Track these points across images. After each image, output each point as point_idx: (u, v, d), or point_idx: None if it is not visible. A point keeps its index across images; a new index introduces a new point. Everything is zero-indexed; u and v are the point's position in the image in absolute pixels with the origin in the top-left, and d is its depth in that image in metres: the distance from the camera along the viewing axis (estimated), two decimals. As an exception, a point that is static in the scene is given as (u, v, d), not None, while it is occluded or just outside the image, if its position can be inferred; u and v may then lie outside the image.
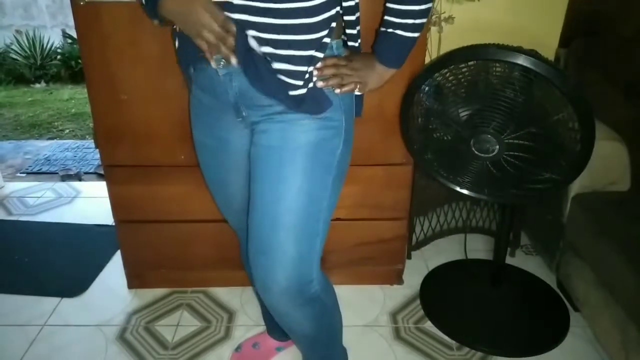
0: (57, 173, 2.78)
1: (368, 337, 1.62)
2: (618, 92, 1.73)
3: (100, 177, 2.69)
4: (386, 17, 0.98)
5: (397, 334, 1.64)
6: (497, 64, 1.28)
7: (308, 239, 0.98)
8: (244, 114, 0.98)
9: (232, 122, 1.01)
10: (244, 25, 0.86)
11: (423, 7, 0.95)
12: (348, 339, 1.60)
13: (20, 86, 4.52)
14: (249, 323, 1.69)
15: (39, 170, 2.84)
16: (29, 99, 4.21)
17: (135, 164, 1.61)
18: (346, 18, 0.98)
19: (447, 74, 1.34)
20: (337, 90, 0.97)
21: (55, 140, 3.37)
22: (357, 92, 1.03)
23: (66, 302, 1.78)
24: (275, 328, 1.46)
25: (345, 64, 0.98)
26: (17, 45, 4.69)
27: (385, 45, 1.01)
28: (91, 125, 3.02)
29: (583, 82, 1.77)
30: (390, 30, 0.98)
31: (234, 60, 0.88)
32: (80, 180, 2.71)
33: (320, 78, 0.96)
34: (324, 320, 1.13)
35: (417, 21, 0.96)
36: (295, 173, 0.95)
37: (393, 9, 0.96)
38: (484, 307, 1.74)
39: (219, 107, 1.00)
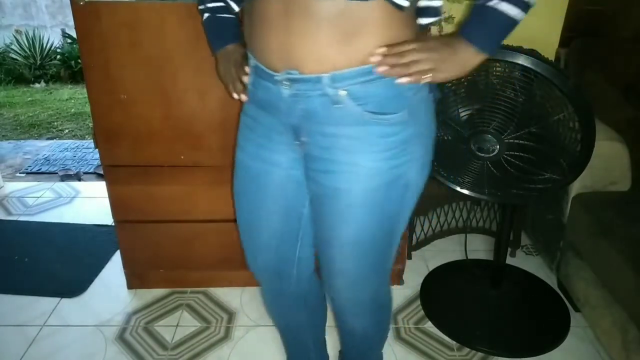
0: (56, 173, 2.78)
1: (368, 337, 1.62)
2: (618, 92, 1.73)
3: (100, 177, 2.69)
4: None
5: (398, 334, 1.64)
6: (497, 64, 1.28)
7: (382, 263, 1.01)
8: (303, 139, 0.89)
9: (289, 144, 0.93)
10: None
11: None
12: (348, 339, 1.60)
13: (20, 86, 4.52)
14: (248, 323, 1.69)
15: (38, 170, 2.84)
16: (29, 98, 4.21)
17: (134, 164, 1.61)
18: None
19: (448, 74, 1.34)
20: (402, 80, 0.81)
21: (54, 140, 3.37)
22: (425, 81, 0.83)
23: (65, 302, 1.77)
24: None
25: (415, 47, 0.80)
26: (17, 45, 4.69)
27: (481, 22, 0.81)
28: (91, 125, 3.01)
29: (583, 82, 1.77)
30: (491, 4, 0.79)
31: (243, 97, 0.95)
32: (79, 180, 2.71)
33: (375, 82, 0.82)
34: (385, 323, 1.19)
35: None
36: (366, 214, 0.90)
37: None
38: (484, 308, 1.74)
39: (278, 128, 0.92)
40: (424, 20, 0.84)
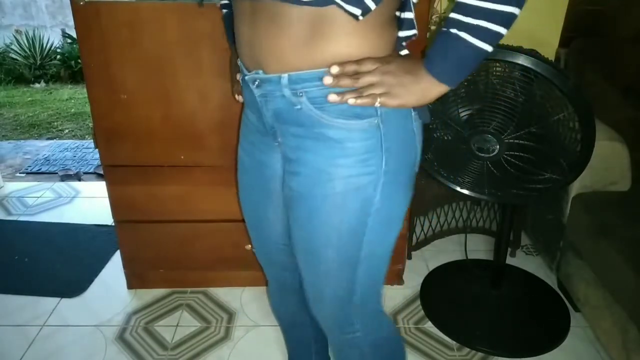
0: (56, 173, 2.78)
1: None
2: (618, 92, 1.73)
3: (100, 177, 2.69)
4: (452, 15, 0.72)
5: (397, 334, 1.64)
6: (497, 64, 1.28)
7: (343, 288, 0.93)
8: (279, 139, 0.88)
9: (271, 145, 0.92)
10: None
11: (506, 8, 0.69)
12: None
13: (20, 86, 4.52)
14: (248, 324, 1.69)
15: (38, 170, 2.84)
16: (29, 98, 4.21)
17: (134, 164, 1.61)
18: None
19: (448, 74, 1.34)
20: (351, 101, 0.77)
21: (54, 140, 3.37)
22: (377, 105, 0.78)
23: (65, 302, 1.77)
24: None
25: (372, 69, 0.77)
26: (17, 45, 4.69)
27: (442, 51, 0.74)
28: (91, 125, 3.01)
29: (583, 82, 1.77)
30: (453, 31, 0.72)
31: (239, 98, 1.00)
32: (79, 180, 2.71)
33: (333, 89, 0.77)
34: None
35: (493, 27, 0.70)
36: (322, 226, 0.86)
37: (463, 4, 0.70)
38: (484, 308, 1.74)
39: (261, 128, 0.91)
40: (401, 33, 0.81)
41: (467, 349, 1.58)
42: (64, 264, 1.96)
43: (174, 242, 1.73)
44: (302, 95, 0.79)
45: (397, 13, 0.81)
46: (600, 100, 1.65)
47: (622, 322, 1.38)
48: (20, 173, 2.83)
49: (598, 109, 1.30)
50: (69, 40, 4.81)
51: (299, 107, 0.80)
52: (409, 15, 0.80)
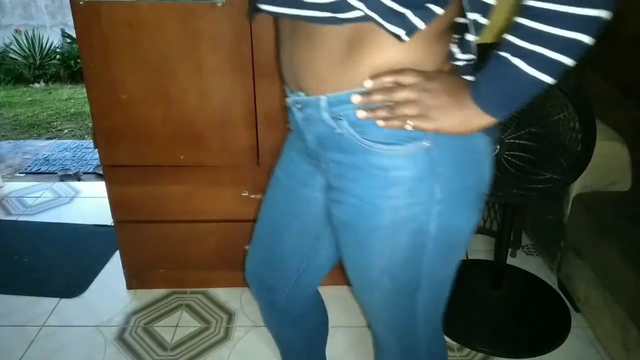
0: (56, 173, 2.78)
1: (368, 338, 1.62)
2: (618, 92, 1.73)
3: (99, 177, 2.69)
4: (506, 35, 0.62)
5: (397, 335, 1.63)
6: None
7: (401, 312, 0.87)
8: (323, 165, 0.82)
9: (314, 165, 0.86)
10: None
11: (573, 35, 0.60)
12: (348, 339, 1.60)
13: (19, 86, 4.51)
14: (248, 324, 1.69)
15: (37, 170, 2.83)
16: (28, 98, 4.21)
17: (134, 164, 1.61)
18: None
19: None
20: (381, 123, 0.69)
21: (54, 140, 3.37)
22: (408, 128, 0.69)
23: (65, 302, 1.77)
24: None
25: (413, 81, 0.68)
26: (16, 44, 4.68)
27: (491, 77, 0.65)
28: (90, 125, 3.01)
29: (583, 82, 1.77)
30: (506, 55, 0.62)
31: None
32: (79, 180, 2.70)
33: (363, 106, 0.70)
34: None
35: (553, 55, 0.60)
36: (373, 256, 0.79)
37: (520, 24, 0.61)
38: (484, 308, 1.74)
39: (305, 150, 0.86)
40: (457, 53, 0.72)
41: (468, 349, 1.58)
42: (63, 264, 1.96)
43: (174, 242, 1.73)
44: (342, 119, 0.73)
45: (456, 35, 0.72)
46: (600, 100, 1.65)
47: (622, 322, 1.38)
48: (19, 173, 2.82)
49: (598, 109, 1.30)
50: (69, 40, 4.81)
51: (339, 131, 0.74)
52: (468, 37, 0.70)
